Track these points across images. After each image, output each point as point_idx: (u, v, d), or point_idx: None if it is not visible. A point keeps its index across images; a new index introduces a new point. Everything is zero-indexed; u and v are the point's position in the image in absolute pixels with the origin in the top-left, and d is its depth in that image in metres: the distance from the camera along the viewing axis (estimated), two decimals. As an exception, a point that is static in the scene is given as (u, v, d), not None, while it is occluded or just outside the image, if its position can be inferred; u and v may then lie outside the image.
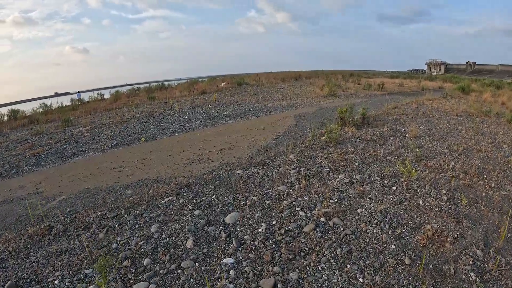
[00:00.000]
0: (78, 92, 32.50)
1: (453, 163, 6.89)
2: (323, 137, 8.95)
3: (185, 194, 6.05)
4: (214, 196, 5.89)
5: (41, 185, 7.31)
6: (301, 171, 6.73)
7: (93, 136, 11.80)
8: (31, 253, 4.54)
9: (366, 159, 7.29)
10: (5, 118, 19.22)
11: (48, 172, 8.24)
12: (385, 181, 6.09)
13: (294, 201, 5.48)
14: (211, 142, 9.65)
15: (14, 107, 23.62)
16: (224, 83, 26.75)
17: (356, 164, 7.00)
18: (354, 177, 6.34)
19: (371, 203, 5.31)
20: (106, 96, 27.31)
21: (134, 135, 11.43)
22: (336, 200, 5.47)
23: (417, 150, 7.70)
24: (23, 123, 16.47)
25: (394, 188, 5.84)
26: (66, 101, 25.35)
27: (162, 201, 5.86)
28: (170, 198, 5.95)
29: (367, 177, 6.31)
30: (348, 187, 5.93)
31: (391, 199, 5.45)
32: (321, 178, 6.39)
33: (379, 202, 5.34)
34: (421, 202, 5.31)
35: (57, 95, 45.46)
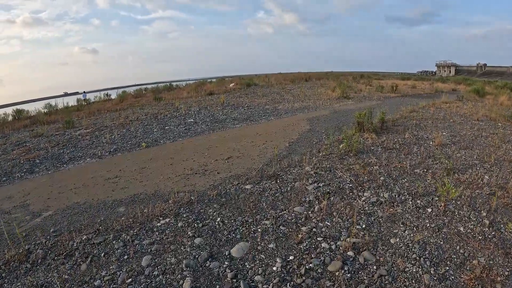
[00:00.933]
0: (84, 92, 31.82)
1: (487, 177, 5.98)
2: (341, 145, 7.92)
3: (184, 216, 5.11)
4: (219, 219, 4.95)
5: (30, 196, 6.52)
6: (320, 187, 5.76)
7: (93, 140, 10.95)
8: (5, 285, 3.77)
9: (392, 172, 6.34)
10: (10, 118, 18.51)
11: (40, 181, 7.44)
12: (418, 201, 5.15)
13: (314, 227, 4.53)
14: (217, 149, 8.68)
15: (22, 106, 23.15)
16: (233, 84, 25.81)
17: (382, 178, 6.05)
18: (381, 195, 5.39)
19: (405, 230, 4.38)
20: (113, 96, 26.51)
21: (136, 140, 10.51)
22: (364, 226, 4.53)
23: (446, 161, 6.77)
24: (26, 123, 15.92)
25: (429, 210, 4.90)
26: (72, 101, 24.61)
27: (158, 224, 4.95)
28: (167, 220, 5.03)
29: (396, 196, 5.36)
30: (376, 208, 4.99)
31: (428, 224, 4.52)
32: (343, 196, 5.40)
33: (414, 229, 4.42)
34: (461, 229, 4.40)
35: (66, 94, 45.01)
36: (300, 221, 4.72)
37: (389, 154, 7.48)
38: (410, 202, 5.14)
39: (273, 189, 5.84)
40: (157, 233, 4.70)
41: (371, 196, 5.36)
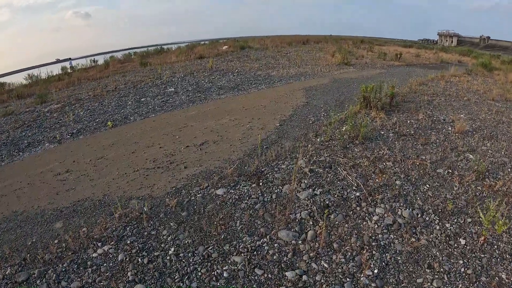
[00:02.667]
0: (70, 59, 29.66)
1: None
2: (344, 127, 6.21)
3: (129, 242, 3.57)
4: (172, 249, 3.39)
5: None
6: (316, 195, 4.19)
7: (60, 118, 9.33)
8: None
9: (409, 172, 4.81)
10: None
11: None
12: (447, 224, 3.69)
13: (305, 271, 2.99)
14: (192, 130, 7.03)
15: (14, 76, 21.53)
16: (226, 46, 23.55)
17: (398, 183, 4.51)
18: (399, 212, 3.90)
19: (433, 280, 2.97)
20: (101, 62, 24.46)
21: (104, 116, 8.87)
22: (377, 270, 3.01)
23: (472, 157, 5.25)
24: (3, 99, 14.16)
25: (462, 241, 3.45)
26: (57, 69, 22.64)
27: (94, 255, 3.53)
28: (107, 248, 3.56)
29: (418, 215, 3.87)
30: (392, 236, 3.51)
31: (462, 269, 3.09)
32: (348, 213, 3.87)
33: (445, 277, 3.01)
34: (503, 275, 3.00)
35: (58, 61, 42.67)
36: (285, 259, 3.14)
37: (404, 143, 5.88)
38: (438, 227, 3.66)
39: (252, 196, 4.26)
40: (90, 270, 3.29)
41: (385, 215, 3.83)
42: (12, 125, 9.11)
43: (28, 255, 3.61)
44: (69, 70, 22.51)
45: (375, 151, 5.49)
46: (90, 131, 7.95)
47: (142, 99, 10.27)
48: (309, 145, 5.75)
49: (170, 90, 11.20)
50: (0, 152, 7.31)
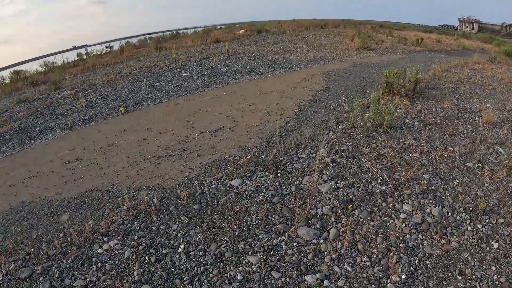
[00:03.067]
0: (86, 45, 29.60)
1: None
2: (367, 114, 5.78)
3: (136, 237, 3.31)
4: (182, 247, 3.10)
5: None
6: (339, 188, 3.82)
7: (73, 104, 9.17)
8: None
9: (437, 165, 4.41)
10: (7, 80, 16.90)
11: None
12: (479, 225, 3.33)
13: (326, 276, 2.63)
14: (207, 115, 6.72)
15: (31, 64, 21.64)
16: (243, 30, 23.01)
17: (426, 177, 4.12)
18: (428, 210, 3.53)
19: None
20: (116, 47, 24.29)
21: (117, 102, 8.64)
22: (405, 276, 2.70)
23: (502, 150, 4.80)
24: (19, 86, 14.18)
25: (495, 244, 3.12)
26: (73, 56, 22.62)
27: (99, 251, 3.33)
28: (113, 244, 3.33)
29: (449, 213, 3.51)
30: (421, 237, 3.18)
31: (495, 277, 2.78)
32: (373, 209, 3.51)
33: (477, 285, 2.71)
34: None
35: (75, 48, 42.87)
36: (305, 261, 2.83)
37: (430, 132, 5.44)
38: (469, 228, 3.30)
39: (270, 188, 3.93)
40: (94, 268, 3.07)
41: (413, 212, 3.46)
42: (25, 113, 9.00)
43: (32, 249, 3.44)
44: (84, 57, 22.44)
45: (401, 140, 5.09)
46: (102, 117, 7.73)
47: (156, 84, 10.00)
48: (330, 133, 5.37)
49: (185, 74, 10.89)
50: (11, 140, 7.18)
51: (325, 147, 4.83)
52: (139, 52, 19.62)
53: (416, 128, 5.57)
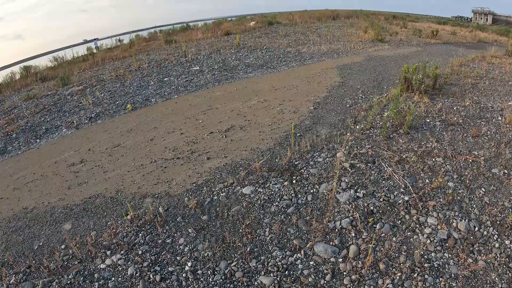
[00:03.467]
0: (95, 39, 29.51)
1: None
2: (386, 113, 5.44)
3: (140, 251, 3.10)
4: (189, 264, 2.87)
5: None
6: (359, 197, 3.51)
7: (80, 101, 9.01)
8: None
9: (462, 171, 4.07)
10: (17, 76, 16.85)
11: (3, 168, 5.78)
12: (506, 241, 3.02)
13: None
14: (217, 113, 6.45)
15: (42, 59, 21.63)
16: (254, 22, 22.58)
17: (451, 185, 3.79)
18: (453, 224, 3.22)
19: None
20: (126, 41, 24.13)
21: (125, 98, 8.44)
22: None
23: None
24: (28, 82, 14.14)
25: None
26: (82, 50, 22.51)
27: (102, 266, 3.13)
28: (116, 259, 3.14)
29: (475, 228, 3.19)
30: (447, 255, 2.91)
31: None
32: (396, 222, 3.20)
33: None
34: None
35: (86, 42, 43.01)
36: (322, 283, 2.57)
37: (453, 134, 5.08)
38: (497, 245, 2.98)
39: (284, 197, 3.65)
40: (97, 285, 2.97)
41: (438, 226, 3.17)
42: (32, 110, 8.90)
43: (33, 261, 3.27)
44: (94, 51, 22.33)
45: (423, 143, 4.76)
46: (109, 115, 7.53)
47: (165, 79, 9.76)
48: (348, 134, 5.06)
49: (194, 68, 10.62)
50: (18, 139, 7.07)
51: (343, 150, 4.52)
52: (149, 45, 19.42)
53: (437, 129, 5.23)
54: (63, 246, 3.43)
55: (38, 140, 6.87)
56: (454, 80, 8.07)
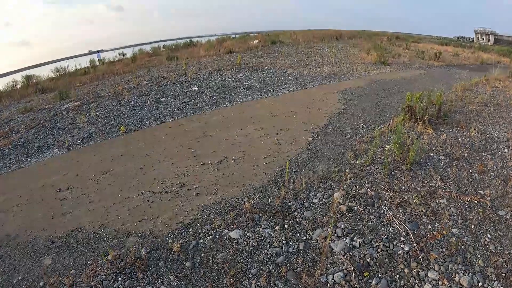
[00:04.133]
0: (98, 52, 29.56)
1: None
2: (388, 146, 5.24)
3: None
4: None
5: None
6: (355, 247, 3.28)
7: (75, 118, 8.84)
8: None
9: (467, 214, 3.87)
10: (19, 85, 16.77)
11: None
12: None
13: None
14: (211, 141, 6.24)
15: (47, 67, 21.58)
16: (257, 41, 22.55)
17: (455, 232, 3.58)
18: (456, 279, 3.01)
19: None
20: (129, 54, 24.14)
21: (120, 118, 8.28)
22: None
23: None
24: (28, 92, 14.07)
25: None
26: (85, 62, 22.48)
27: None
28: None
29: (479, 283, 2.97)
30: None
31: None
32: (394, 277, 3.03)
33: None
34: None
35: (91, 53, 43.25)
36: None
37: (458, 170, 4.89)
38: None
39: (274, 244, 3.45)
40: None
41: (439, 282, 2.99)
42: (28, 125, 8.75)
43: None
44: (97, 63, 22.30)
45: (426, 181, 4.54)
46: (102, 136, 7.35)
47: (162, 99, 9.60)
48: (346, 170, 4.84)
49: (193, 89, 10.48)
50: (9, 156, 6.89)
51: (340, 190, 4.30)
52: (151, 60, 19.38)
53: (442, 165, 5.03)
54: (41, 283, 3.23)
55: (29, 159, 6.70)
56: (458, 106, 7.94)
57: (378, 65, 14.43)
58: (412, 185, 4.46)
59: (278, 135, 6.29)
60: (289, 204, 4.12)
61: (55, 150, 7.02)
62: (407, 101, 6.76)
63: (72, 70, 19.76)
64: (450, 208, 3.98)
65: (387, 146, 5.38)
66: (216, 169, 5.15)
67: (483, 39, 70.25)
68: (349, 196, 4.20)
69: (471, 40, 71.41)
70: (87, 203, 4.66)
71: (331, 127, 6.62)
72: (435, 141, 5.88)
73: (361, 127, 6.61)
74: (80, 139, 7.35)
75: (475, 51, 26.17)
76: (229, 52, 18.01)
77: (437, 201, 4.13)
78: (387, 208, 3.95)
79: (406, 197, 4.19)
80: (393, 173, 4.79)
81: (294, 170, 4.94)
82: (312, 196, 4.26)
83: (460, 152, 5.45)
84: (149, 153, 6.00)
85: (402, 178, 4.65)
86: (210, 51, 18.69)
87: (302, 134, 6.28)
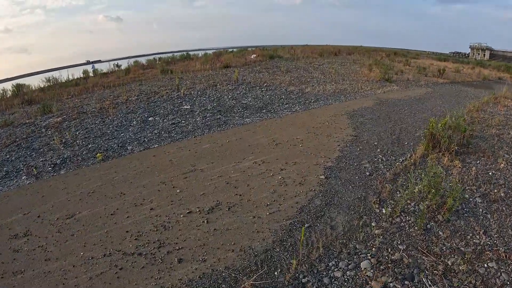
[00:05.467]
0: (92, 63, 28.38)
1: None
2: (416, 187, 4.13)
3: None
4: None
5: None
6: None
7: (52, 138, 7.62)
8: None
9: None
10: (9, 94, 15.71)
11: None
12: None
13: None
14: (200, 178, 5.07)
15: (45, 75, 20.61)
16: (254, 55, 21.46)
17: None
18: None
19: None
20: (124, 66, 22.97)
21: (100, 141, 7.15)
22: None
23: None
24: (15, 103, 12.90)
25: None
26: (78, 72, 21.30)
27: None
28: None
29: None
30: None
31: None
32: None
33: None
34: None
35: (89, 63, 42.18)
36: None
37: (498, 216, 3.97)
38: None
39: None
40: None
41: None
42: (3, 142, 7.63)
43: None
44: (90, 74, 21.17)
45: (468, 236, 3.56)
46: (76, 163, 6.19)
47: (150, 119, 8.44)
48: (372, 224, 3.68)
49: (185, 107, 9.32)
50: (-27, 182, 5.70)
51: (369, 257, 3.13)
52: (145, 73, 18.25)
53: (480, 210, 4.05)
54: None
55: (-8, 189, 5.52)
56: (477, 131, 7.12)
57: (383, 82, 13.48)
58: (454, 243, 3.42)
59: (283, 171, 5.12)
60: (303, 280, 2.95)
61: (23, 177, 5.91)
62: (430, 128, 5.72)
63: (64, 81, 18.68)
64: (500, 274, 2.97)
65: (416, 187, 4.25)
66: (205, 221, 3.96)
67: (479, 54, 69.92)
68: (381, 266, 3.05)
69: (466, 55, 71.16)
70: (43, 260, 3.51)
71: (345, 160, 5.48)
72: (466, 177, 4.89)
73: (379, 159, 5.51)
74: (52, 165, 6.21)
75: (475, 67, 26.08)
76: (226, 67, 16.89)
77: (485, 265, 3.08)
78: (429, 283, 2.83)
79: (450, 263, 3.10)
80: (428, 225, 3.68)
81: (307, 225, 3.76)
82: (333, 267, 3.10)
83: (496, 191, 4.55)
84: (125, 192, 4.81)
85: (441, 233, 3.56)
86: (206, 65, 17.58)
87: (312, 169, 5.12)
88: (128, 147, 6.67)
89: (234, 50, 31.21)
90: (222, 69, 16.33)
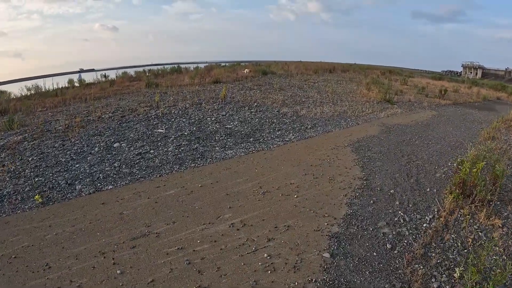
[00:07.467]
0: (79, 72, 26.78)
1: None
2: (457, 270, 2.63)
3: None
4: None
5: None
6: None
7: (3, 163, 6.02)
8: None
9: None
10: None
11: None
12: None
13: None
14: (153, 251, 3.55)
15: (37, 81, 19.25)
16: (247, 70, 19.94)
17: None
18: None
19: None
20: (112, 76, 21.41)
21: (49, 172, 5.69)
22: None
23: None
24: None
25: None
26: (64, 82, 19.73)
27: None
28: None
29: None
30: None
31: None
32: None
33: None
34: None
35: (82, 71, 40.58)
36: None
37: None
38: None
39: None
40: None
41: None
42: None
43: None
44: (76, 84, 19.62)
45: None
46: (12, 205, 4.71)
47: (115, 144, 6.87)
48: None
49: (159, 131, 7.75)
50: None
51: None
52: (131, 86, 16.69)
53: None
54: None
55: None
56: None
57: (384, 104, 12.16)
58: None
59: (271, 244, 3.55)
60: None
61: None
62: (462, 172, 4.30)
63: (44, 91, 17.09)
64: None
65: (456, 270, 2.79)
66: None
67: (471, 72, 69.73)
68: None
69: (459, 74, 71.01)
70: None
71: (355, 221, 3.97)
72: (508, 241, 3.50)
73: (400, 218, 4.01)
74: (-19, 205, 4.60)
75: (471, 86, 25.74)
76: (216, 82, 15.36)
77: None
78: None
79: None
80: None
81: None
82: None
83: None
84: (52, 264, 3.23)
85: None
86: (195, 80, 16.05)
87: (311, 239, 3.58)
88: (77, 186, 5.11)
89: (227, 64, 29.81)
90: (211, 85, 14.81)
